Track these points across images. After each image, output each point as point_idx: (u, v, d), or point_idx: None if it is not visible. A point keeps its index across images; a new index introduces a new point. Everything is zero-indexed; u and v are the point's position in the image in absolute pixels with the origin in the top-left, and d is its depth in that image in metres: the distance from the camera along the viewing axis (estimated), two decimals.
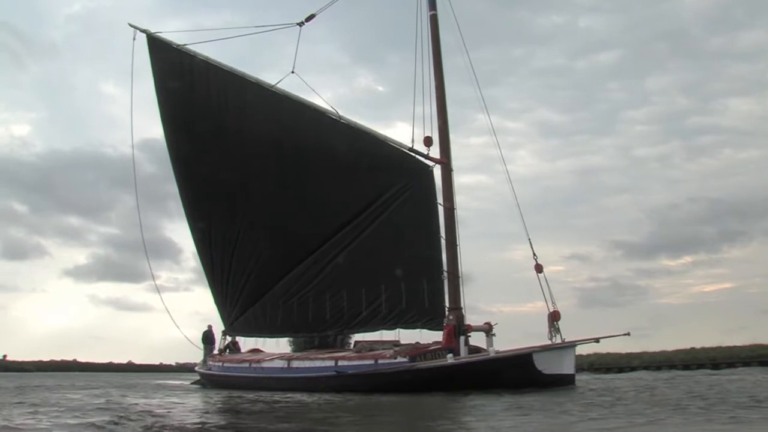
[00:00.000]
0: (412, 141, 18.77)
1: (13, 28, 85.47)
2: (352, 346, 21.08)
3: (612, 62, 71.23)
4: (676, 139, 70.52)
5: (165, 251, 53.74)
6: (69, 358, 60.44)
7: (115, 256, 72.78)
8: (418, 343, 17.81)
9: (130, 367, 59.77)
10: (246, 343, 23.14)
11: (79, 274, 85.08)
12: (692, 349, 34.84)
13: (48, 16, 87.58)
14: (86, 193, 75.47)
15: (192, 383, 24.53)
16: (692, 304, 62.21)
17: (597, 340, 15.59)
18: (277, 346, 22.84)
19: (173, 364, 25.43)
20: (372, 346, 18.22)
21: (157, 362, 57.27)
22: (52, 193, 76.00)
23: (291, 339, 27.45)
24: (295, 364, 18.91)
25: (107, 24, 79.08)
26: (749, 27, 67.25)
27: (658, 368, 31.87)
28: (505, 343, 16.98)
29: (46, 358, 59.14)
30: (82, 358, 60.88)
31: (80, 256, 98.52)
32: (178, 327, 22.45)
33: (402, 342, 18.31)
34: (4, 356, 55.97)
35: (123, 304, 79.99)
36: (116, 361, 62.72)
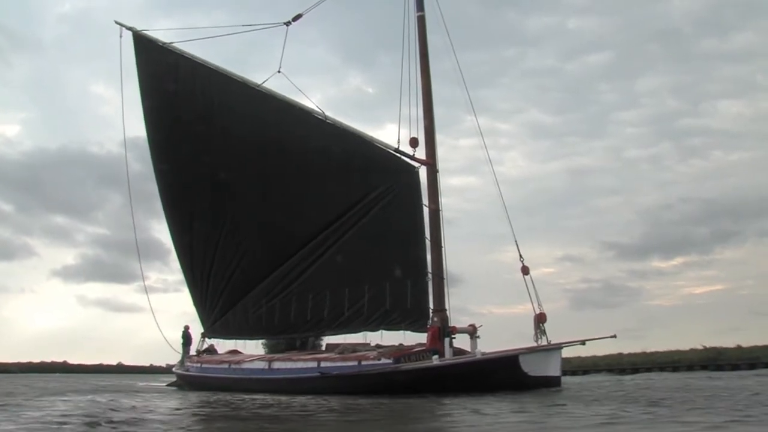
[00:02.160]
0: (398, 142, 18.73)
1: (3, 27, 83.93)
2: (323, 348, 20.97)
3: (602, 64, 71.94)
4: (666, 140, 71.23)
5: (154, 252, 52.59)
6: (59, 359, 59.67)
7: (103, 257, 71.49)
8: (401, 344, 17.75)
9: (119, 369, 58.93)
10: (225, 345, 22.87)
11: (67, 274, 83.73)
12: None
13: (38, 15, 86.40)
14: (73, 192, 74.13)
15: (168, 385, 24.13)
16: (683, 306, 62.53)
17: (583, 343, 15.60)
18: (255, 348, 22.71)
19: (164, 365, 25.15)
20: (355, 347, 18.08)
21: (147, 364, 56.42)
22: (38, 192, 74.51)
23: (264, 341, 27.22)
24: (276, 365, 18.68)
25: (98, 24, 78.03)
26: (739, 29, 68.17)
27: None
28: (496, 344, 16.98)
29: (36, 360, 58.57)
30: (72, 360, 60.09)
31: (68, 257, 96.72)
32: (160, 330, 22.25)
33: (375, 344, 18.26)
34: None
35: (113, 305, 78.36)
36: (106, 362, 62.10)
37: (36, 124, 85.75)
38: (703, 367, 30.14)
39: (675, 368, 31.43)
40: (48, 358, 59.11)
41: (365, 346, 18.17)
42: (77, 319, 77.34)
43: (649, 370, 31.92)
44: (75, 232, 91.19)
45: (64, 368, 56.06)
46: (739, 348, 32.68)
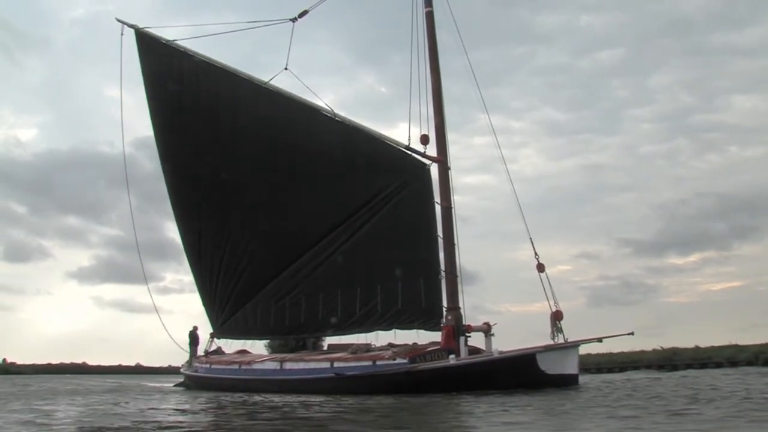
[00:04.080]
0: (408, 139, 18.57)
1: (18, 31, 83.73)
2: (324, 348, 20.84)
3: (615, 60, 71.65)
4: (681, 136, 71.09)
5: (169, 252, 52.43)
6: (78, 360, 60.41)
7: (118, 258, 71.01)
8: (415, 343, 17.63)
9: (138, 370, 58.97)
10: (233, 346, 22.72)
11: (82, 276, 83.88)
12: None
13: (52, 19, 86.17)
14: (85, 193, 73.78)
15: (175, 385, 23.98)
16: (701, 303, 62.40)
17: (600, 340, 15.55)
18: (254, 348, 22.61)
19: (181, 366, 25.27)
20: (368, 347, 17.93)
21: (165, 364, 56.53)
22: (50, 194, 74.16)
23: (267, 342, 27.09)
24: (288, 365, 18.54)
25: (110, 27, 77.08)
26: (752, 23, 67.82)
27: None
28: (513, 342, 16.93)
29: (55, 361, 59.12)
30: (91, 361, 60.79)
31: (83, 258, 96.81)
32: (166, 329, 22.09)
33: (387, 342, 18.15)
34: (4, 360, 55.19)
35: (129, 305, 77.84)
36: (125, 363, 62.43)
37: (52, 128, 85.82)
38: (660, 367, 31.33)
39: (635, 367, 32.56)
40: (67, 360, 60.08)
41: (368, 346, 18.04)
42: (94, 321, 77.61)
43: (610, 370, 32.81)
44: (89, 233, 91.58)
45: (83, 369, 56.54)
46: (696, 348, 34.33)
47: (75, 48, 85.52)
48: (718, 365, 30.13)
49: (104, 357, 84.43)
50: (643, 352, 35.33)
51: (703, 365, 30.33)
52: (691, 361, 31.89)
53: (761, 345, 32.63)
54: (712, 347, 34.04)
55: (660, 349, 34.83)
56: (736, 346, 33.32)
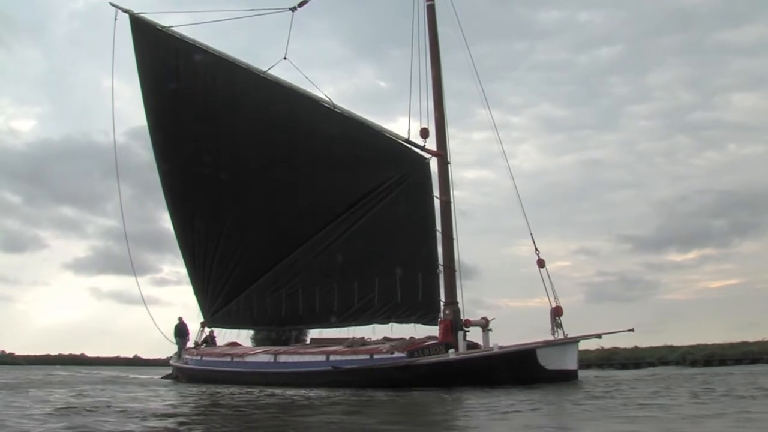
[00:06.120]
0: (408, 132, 18.46)
1: (17, 22, 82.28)
2: (307, 342, 20.72)
3: (613, 57, 71.93)
4: (680, 134, 71.25)
5: (166, 244, 51.53)
6: (76, 352, 59.72)
7: (115, 249, 69.74)
8: (412, 338, 17.59)
9: (136, 362, 58.40)
10: (225, 336, 22.50)
11: (79, 267, 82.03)
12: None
13: (51, 11, 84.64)
14: (80, 183, 72.44)
15: (163, 377, 23.65)
16: (699, 300, 62.35)
17: (599, 336, 15.63)
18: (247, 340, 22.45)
19: None
20: (364, 341, 17.84)
21: (163, 356, 56.20)
22: (45, 184, 72.84)
23: (252, 335, 26.89)
24: (283, 358, 18.38)
25: (110, 18, 76.13)
26: (752, 21, 68.04)
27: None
28: (513, 338, 16.92)
29: (53, 352, 58.20)
30: (90, 353, 59.96)
31: (79, 249, 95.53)
32: (154, 322, 21.92)
33: (370, 337, 18.08)
34: (2, 351, 54.43)
35: (127, 297, 76.48)
36: (123, 355, 61.83)
37: (50, 120, 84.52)
38: (599, 366, 32.93)
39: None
40: (65, 351, 59.21)
41: (363, 340, 17.95)
42: (92, 312, 76.51)
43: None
44: (85, 223, 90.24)
45: (81, 361, 55.99)
46: (635, 348, 35.42)
47: (74, 39, 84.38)
48: (651, 364, 31.62)
49: (103, 348, 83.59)
50: (587, 351, 36.12)
51: (636, 365, 31.83)
52: (626, 360, 33.26)
53: (690, 346, 34.28)
54: (650, 347, 35.61)
55: (601, 348, 35.87)
56: (670, 347, 35.16)
